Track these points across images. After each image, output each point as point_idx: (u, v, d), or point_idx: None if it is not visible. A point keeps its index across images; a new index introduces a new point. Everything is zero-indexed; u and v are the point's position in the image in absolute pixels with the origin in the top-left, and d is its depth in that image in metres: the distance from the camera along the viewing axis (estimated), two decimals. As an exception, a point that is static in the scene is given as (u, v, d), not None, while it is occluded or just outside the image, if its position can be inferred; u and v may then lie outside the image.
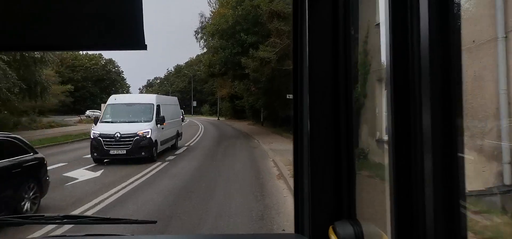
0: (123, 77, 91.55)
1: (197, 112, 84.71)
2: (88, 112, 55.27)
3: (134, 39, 0.89)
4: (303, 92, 1.42)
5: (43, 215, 1.71)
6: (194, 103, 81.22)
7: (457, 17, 0.79)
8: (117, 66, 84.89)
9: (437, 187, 0.77)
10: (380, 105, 1.06)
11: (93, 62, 73.79)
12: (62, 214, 1.75)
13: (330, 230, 1.28)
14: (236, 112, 52.33)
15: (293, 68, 1.51)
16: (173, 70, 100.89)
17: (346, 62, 1.32)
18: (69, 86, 56.78)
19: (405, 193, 0.84)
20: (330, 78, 1.35)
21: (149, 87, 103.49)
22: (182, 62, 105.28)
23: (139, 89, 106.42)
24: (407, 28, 0.83)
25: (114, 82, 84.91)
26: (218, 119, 59.87)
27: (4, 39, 0.88)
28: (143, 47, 0.90)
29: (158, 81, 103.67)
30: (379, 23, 0.92)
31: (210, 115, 74.81)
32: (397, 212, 0.85)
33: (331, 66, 1.35)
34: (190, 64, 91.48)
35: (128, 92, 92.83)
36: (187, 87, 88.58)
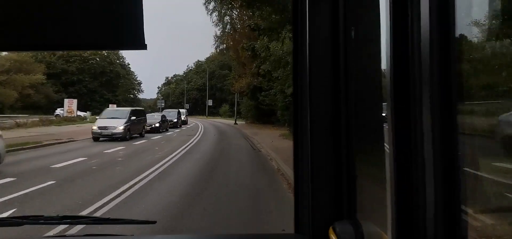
0: (130, 70, 76.66)
1: (213, 113, 73.06)
2: (58, 111, 43.94)
3: (134, 39, 0.89)
4: (303, 92, 1.42)
5: (43, 215, 1.71)
6: (210, 102, 68.37)
7: (458, 16, 0.79)
8: (123, 57, 71.83)
9: (437, 187, 0.77)
10: (380, 105, 1.06)
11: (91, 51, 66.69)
12: (61, 215, 1.75)
13: (330, 230, 1.28)
14: (261, 113, 36.57)
15: (293, 68, 1.51)
16: (193, 66, 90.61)
17: (346, 62, 1.32)
18: (39, 76, 46.93)
19: (405, 193, 0.84)
20: (330, 78, 1.35)
21: (167, 85, 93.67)
22: (203, 57, 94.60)
23: (158, 87, 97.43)
24: (407, 28, 0.83)
25: (119, 77, 70.49)
26: (235, 123, 44.66)
27: (3, 39, 0.88)
28: (143, 46, 0.90)
29: (175, 78, 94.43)
30: (379, 23, 0.92)
31: (230, 116, 60.60)
32: (397, 212, 0.85)
33: (331, 66, 1.35)
34: (211, 59, 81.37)
35: (139, 90, 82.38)
36: (206, 84, 78.86)
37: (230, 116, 59.46)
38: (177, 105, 78.46)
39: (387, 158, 0.89)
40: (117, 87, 69.83)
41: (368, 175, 1.32)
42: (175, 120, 37.24)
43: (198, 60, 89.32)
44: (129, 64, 75.41)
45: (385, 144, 0.92)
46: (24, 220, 1.67)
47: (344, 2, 1.31)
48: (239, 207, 7.79)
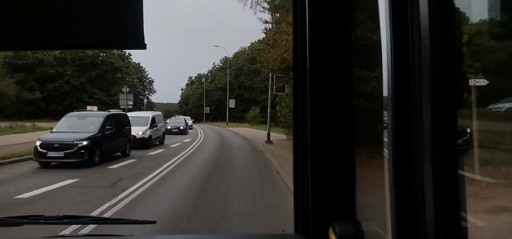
0: (129, 61, 60.14)
1: (239, 118, 55.01)
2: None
3: (134, 39, 0.89)
4: (304, 91, 1.42)
5: (43, 215, 1.71)
6: (232, 103, 47.99)
7: (458, 16, 0.79)
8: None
9: (437, 187, 0.77)
10: (380, 105, 1.06)
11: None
12: (62, 214, 1.75)
13: (330, 230, 1.28)
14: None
15: (293, 68, 1.51)
16: (220, 64, 74.81)
17: (346, 62, 1.32)
18: None
19: (405, 193, 0.84)
20: (331, 78, 1.35)
21: (190, 86, 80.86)
22: (231, 53, 73.87)
23: (182, 89, 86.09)
24: (407, 28, 0.83)
25: (115, 70, 53.38)
26: (268, 139, 22.48)
27: (3, 38, 0.88)
28: (143, 46, 0.90)
29: (198, 78, 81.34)
30: (379, 23, 0.92)
31: (262, 123, 40.62)
32: (397, 212, 0.85)
33: (332, 66, 1.35)
34: (240, 53, 67.74)
35: (151, 90, 70.55)
36: (233, 82, 62.58)
37: (262, 122, 39.28)
38: (197, 108, 68.12)
39: (387, 157, 0.89)
40: (113, 84, 52.66)
41: (368, 175, 1.32)
42: (79, 145, 12.97)
43: (225, 57, 70.29)
44: (130, 55, 59.88)
45: (385, 143, 0.92)
46: (24, 220, 1.67)
47: (344, 2, 1.31)
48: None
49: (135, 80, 65.98)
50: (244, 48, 66.00)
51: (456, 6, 0.77)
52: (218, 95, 66.71)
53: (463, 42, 0.90)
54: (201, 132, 33.10)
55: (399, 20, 0.84)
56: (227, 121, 50.68)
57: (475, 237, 1.05)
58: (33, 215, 1.73)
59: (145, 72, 71.76)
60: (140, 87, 69.13)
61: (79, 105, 38.42)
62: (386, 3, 0.86)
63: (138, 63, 68.69)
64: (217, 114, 63.25)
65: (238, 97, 57.83)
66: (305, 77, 1.39)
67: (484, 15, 1.05)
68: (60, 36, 0.88)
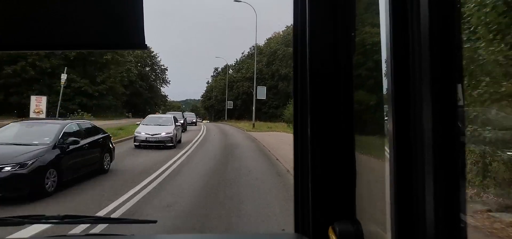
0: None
1: (272, 116, 43.21)
2: None
3: (135, 39, 0.89)
4: (304, 91, 1.42)
5: (44, 215, 1.71)
6: (261, 93, 34.13)
7: (458, 16, 0.79)
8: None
9: (437, 187, 0.77)
10: (380, 105, 1.06)
11: None
12: (62, 214, 1.75)
13: (330, 230, 1.28)
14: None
15: (293, 67, 1.51)
16: (249, 51, 61.89)
17: (346, 61, 1.32)
18: None
19: (405, 193, 0.84)
20: (331, 78, 1.35)
21: (215, 78, 70.38)
22: (262, 41, 62.27)
23: (207, 82, 75.50)
24: (407, 28, 0.83)
25: (106, 56, 39.38)
26: None
27: (3, 38, 0.88)
28: (143, 47, 0.90)
29: (224, 69, 68.77)
30: (379, 23, 0.92)
31: None
32: (397, 212, 0.85)
33: (332, 66, 1.35)
34: (272, 39, 57.36)
35: (164, 80, 60.23)
36: (264, 71, 51.18)
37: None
38: (220, 103, 57.20)
39: (387, 157, 0.89)
40: (102, 69, 38.99)
41: (368, 175, 1.32)
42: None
43: (256, 43, 55.38)
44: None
45: (385, 143, 0.92)
46: (25, 220, 1.67)
47: (344, 2, 1.31)
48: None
49: (146, 68, 55.27)
50: (278, 33, 56.07)
51: (456, 6, 0.77)
52: (245, 87, 52.07)
53: (463, 42, 0.91)
54: (192, 146, 18.69)
55: (399, 20, 0.84)
56: (253, 119, 33.95)
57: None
58: (34, 215, 1.73)
59: (157, 58, 60.10)
60: (152, 77, 58.65)
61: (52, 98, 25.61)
62: (386, 3, 0.86)
63: (149, 48, 55.62)
64: (245, 110, 50.42)
65: (271, 89, 46.01)
66: (305, 76, 1.39)
67: (485, 15, 1.05)
68: (59, 36, 0.88)
